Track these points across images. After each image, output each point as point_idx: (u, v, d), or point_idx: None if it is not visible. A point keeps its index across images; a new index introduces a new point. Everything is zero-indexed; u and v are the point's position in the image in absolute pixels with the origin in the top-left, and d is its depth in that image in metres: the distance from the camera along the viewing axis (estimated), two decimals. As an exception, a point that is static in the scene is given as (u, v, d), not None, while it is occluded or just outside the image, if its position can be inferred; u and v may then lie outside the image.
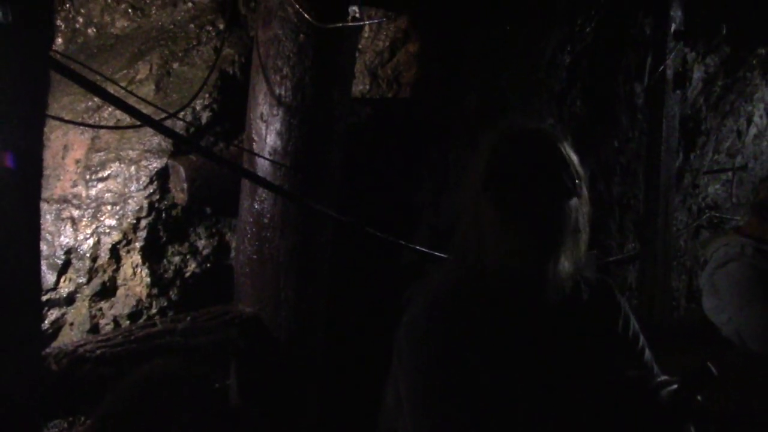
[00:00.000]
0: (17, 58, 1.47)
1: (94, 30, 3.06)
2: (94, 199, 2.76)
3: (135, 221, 2.73)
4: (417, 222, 3.33)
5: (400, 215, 3.27)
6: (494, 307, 1.49)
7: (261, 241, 2.52)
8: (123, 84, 2.77)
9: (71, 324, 2.73)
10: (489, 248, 1.47)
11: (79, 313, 2.73)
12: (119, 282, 2.77)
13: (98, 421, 1.65)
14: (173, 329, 2.30)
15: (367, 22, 3.08)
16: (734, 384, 2.55)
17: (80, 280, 2.73)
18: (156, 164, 2.74)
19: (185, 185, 2.64)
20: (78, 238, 2.73)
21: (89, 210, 2.75)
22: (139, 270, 2.75)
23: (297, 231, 2.51)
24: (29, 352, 1.67)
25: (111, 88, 2.37)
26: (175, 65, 2.90)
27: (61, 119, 2.54)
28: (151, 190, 2.74)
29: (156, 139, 2.75)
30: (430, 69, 3.33)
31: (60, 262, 2.71)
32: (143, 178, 2.74)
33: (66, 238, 2.73)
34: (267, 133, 2.47)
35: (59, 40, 3.01)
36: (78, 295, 2.74)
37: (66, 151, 2.80)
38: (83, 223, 2.74)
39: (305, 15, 2.34)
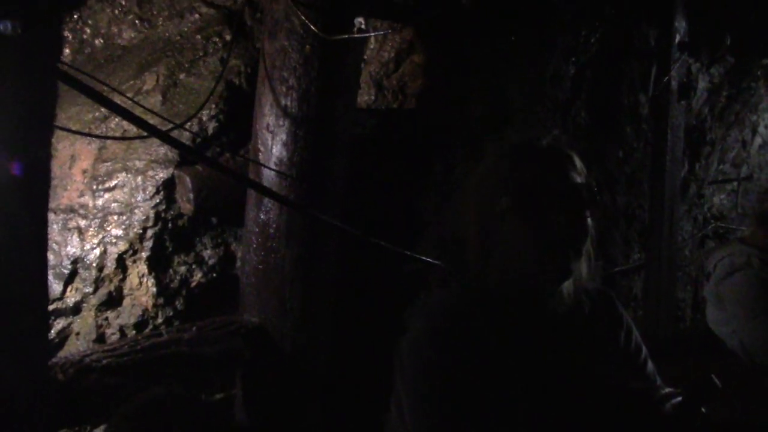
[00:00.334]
0: (26, 70, 1.48)
1: (102, 41, 3.08)
2: (101, 209, 2.77)
3: (141, 231, 2.74)
4: (422, 232, 3.33)
5: (405, 225, 3.27)
6: (496, 323, 1.49)
7: (266, 251, 2.53)
8: (130, 94, 2.78)
9: (77, 333, 2.74)
10: (505, 263, 1.47)
11: (85, 322, 2.74)
12: (125, 292, 2.78)
13: None
14: (179, 339, 2.31)
15: (373, 34, 3.10)
16: (739, 396, 2.54)
17: (87, 290, 2.73)
18: (162, 174, 2.75)
19: (191, 195, 2.65)
20: (84, 248, 2.74)
21: (96, 220, 2.76)
22: (145, 280, 2.76)
23: (302, 241, 2.52)
24: (36, 361, 1.68)
25: (118, 99, 2.39)
26: (182, 76, 2.91)
27: (69, 130, 2.56)
28: (158, 200, 2.75)
29: (162, 150, 2.76)
30: (435, 80, 3.34)
31: (66, 271, 2.72)
32: (150, 188, 2.75)
33: (72, 248, 2.74)
34: (273, 144, 2.48)
35: (66, 51, 3.03)
36: (84, 304, 2.74)
37: (73, 161, 2.82)
38: (90, 233, 2.75)
39: (311, 26, 2.35)
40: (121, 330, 2.75)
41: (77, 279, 2.74)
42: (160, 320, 2.79)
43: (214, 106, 2.84)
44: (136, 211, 2.75)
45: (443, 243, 3.33)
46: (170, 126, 2.45)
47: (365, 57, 3.27)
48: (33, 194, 1.55)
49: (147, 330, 2.73)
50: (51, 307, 2.68)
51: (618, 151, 4.61)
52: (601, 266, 4.24)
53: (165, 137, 2.16)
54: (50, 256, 2.65)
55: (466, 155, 3.44)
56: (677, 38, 4.21)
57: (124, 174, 2.78)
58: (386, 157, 3.18)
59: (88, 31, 3.07)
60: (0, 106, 1.43)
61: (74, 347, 2.70)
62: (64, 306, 2.73)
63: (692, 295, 5.63)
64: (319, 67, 2.43)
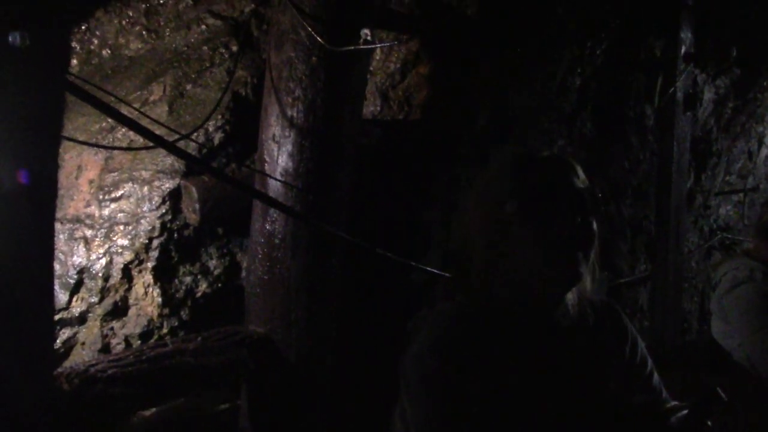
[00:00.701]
0: (34, 81, 1.49)
1: (109, 51, 3.09)
2: (107, 219, 2.77)
3: (147, 241, 2.75)
4: (427, 243, 3.33)
5: (411, 236, 3.27)
6: (501, 335, 1.49)
7: (272, 261, 2.53)
8: (137, 105, 2.80)
9: (83, 343, 2.74)
10: (511, 270, 1.47)
11: (90, 332, 2.74)
12: (131, 302, 2.78)
13: None
14: (184, 349, 2.31)
15: (379, 45, 3.10)
16: (745, 409, 2.53)
17: (92, 300, 2.74)
18: (168, 185, 2.76)
19: (197, 206, 2.66)
20: (90, 258, 2.75)
21: (102, 230, 2.76)
22: (150, 290, 2.76)
23: (308, 252, 2.52)
24: (41, 371, 1.68)
25: (125, 110, 2.40)
26: (189, 87, 2.92)
27: (76, 140, 2.57)
28: (164, 211, 2.76)
29: (168, 160, 2.77)
30: (441, 91, 3.35)
31: (72, 281, 2.73)
32: (156, 199, 2.76)
33: (78, 258, 2.75)
34: (279, 155, 2.49)
35: (74, 62, 3.05)
36: (90, 314, 2.75)
37: (80, 171, 2.83)
38: (96, 243, 2.76)
39: (318, 38, 2.36)
40: (127, 340, 2.75)
41: (83, 289, 2.74)
42: (165, 330, 2.79)
43: (220, 116, 2.85)
44: (142, 221, 2.76)
45: (448, 254, 3.32)
46: (177, 136, 2.46)
47: (371, 68, 3.28)
48: (40, 204, 1.56)
49: (152, 340, 2.74)
50: (57, 317, 2.68)
51: (624, 162, 4.61)
52: (606, 277, 4.23)
53: (171, 148, 2.17)
54: (56, 266, 2.65)
55: (471, 166, 3.44)
56: (683, 49, 4.21)
57: (130, 184, 2.79)
58: (392, 168, 3.19)
59: (96, 41, 3.09)
60: (8, 116, 1.44)
61: (79, 357, 2.70)
62: (69, 316, 2.73)
63: (698, 307, 5.61)
64: (325, 78, 2.44)
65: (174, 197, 2.76)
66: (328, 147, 2.50)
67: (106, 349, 2.73)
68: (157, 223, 2.75)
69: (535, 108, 3.80)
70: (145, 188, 2.78)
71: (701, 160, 5.25)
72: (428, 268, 2.82)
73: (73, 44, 3.02)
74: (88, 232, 2.76)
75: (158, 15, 3.07)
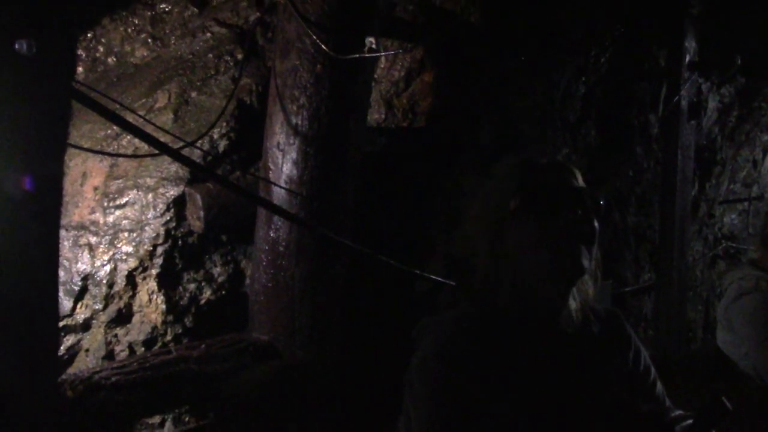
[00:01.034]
0: (40, 88, 1.50)
1: (114, 59, 3.11)
2: (112, 226, 2.78)
3: (151, 248, 2.75)
4: (431, 250, 3.33)
5: (415, 243, 3.27)
6: (506, 342, 1.49)
7: (276, 268, 2.53)
8: (142, 112, 2.81)
9: (87, 350, 2.74)
10: (508, 275, 1.48)
11: (94, 339, 2.74)
12: (135, 308, 2.78)
13: None
14: (188, 357, 2.31)
15: (383, 54, 3.11)
16: (750, 419, 2.51)
17: (96, 307, 2.74)
18: (173, 192, 2.77)
19: (202, 213, 2.66)
20: (95, 265, 2.75)
21: (106, 237, 2.77)
22: (154, 297, 2.76)
23: (312, 259, 2.52)
24: (45, 378, 1.68)
25: (130, 117, 2.41)
26: (194, 94, 2.93)
27: (81, 147, 2.58)
28: (168, 218, 2.76)
29: (173, 167, 2.78)
30: (445, 99, 3.36)
31: (77, 288, 2.73)
32: (160, 206, 2.76)
33: (83, 265, 2.75)
34: (283, 162, 2.49)
35: (80, 69, 3.06)
36: (94, 321, 2.75)
37: (85, 178, 2.83)
38: (100, 250, 2.76)
39: (323, 46, 2.37)
40: (131, 347, 2.75)
41: (87, 296, 2.75)
42: (169, 337, 2.79)
43: (225, 124, 2.86)
44: (146, 228, 2.76)
45: (452, 261, 3.32)
46: (181, 144, 2.46)
47: (376, 76, 3.29)
48: (45, 211, 1.56)
49: (156, 347, 2.74)
50: (61, 324, 2.69)
51: (628, 170, 4.61)
52: (611, 286, 4.22)
53: (176, 155, 2.18)
54: (61, 273, 2.66)
55: (475, 174, 3.44)
56: (687, 58, 4.21)
57: (135, 191, 2.79)
58: (396, 175, 3.19)
59: (101, 49, 3.11)
60: (14, 123, 1.44)
61: (84, 364, 2.70)
62: (73, 322, 2.73)
63: (703, 316, 5.59)
64: (329, 86, 2.44)
65: (178, 204, 2.76)
66: (333, 155, 2.51)
67: (110, 356, 2.73)
68: (162, 230, 2.76)
69: (539, 116, 3.80)
70: (150, 195, 2.78)
71: (705, 168, 5.24)
72: (431, 276, 2.81)
73: (79, 52, 3.03)
74: (93, 239, 2.77)
75: (164, 23, 3.08)
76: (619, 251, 4.60)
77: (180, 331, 2.81)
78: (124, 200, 2.80)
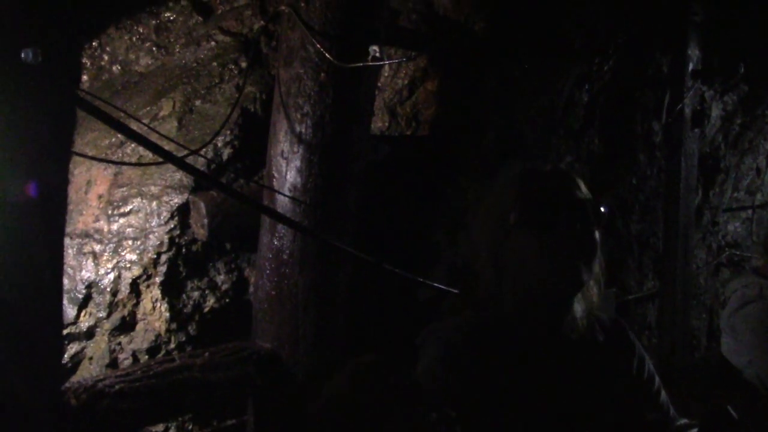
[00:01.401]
0: (45, 97, 1.51)
1: (119, 67, 3.12)
2: (116, 234, 2.78)
3: (155, 256, 2.75)
4: (435, 258, 3.33)
5: (418, 252, 3.27)
6: (510, 349, 1.49)
7: (280, 277, 2.53)
8: (146, 121, 2.81)
9: (90, 358, 2.74)
10: (514, 280, 1.48)
11: (98, 347, 2.74)
12: (139, 316, 2.79)
13: None
14: (191, 365, 2.31)
15: (387, 62, 3.12)
16: (756, 428, 2.50)
17: (100, 315, 2.74)
18: (177, 200, 2.77)
19: (206, 221, 2.67)
20: (99, 273, 2.76)
21: (111, 245, 2.77)
22: (158, 305, 2.77)
23: (316, 267, 2.52)
24: (49, 386, 1.68)
25: (134, 125, 2.41)
26: (198, 102, 2.94)
27: (86, 155, 2.58)
28: (172, 226, 2.77)
29: (177, 175, 2.78)
30: (449, 107, 3.36)
31: (81, 296, 2.74)
32: (164, 214, 2.77)
33: (87, 273, 2.75)
34: (287, 170, 2.49)
35: (84, 77, 3.07)
36: (98, 329, 2.75)
37: (89, 186, 2.84)
38: (104, 258, 2.77)
39: (326, 54, 2.38)
40: (134, 355, 2.75)
41: (91, 303, 2.75)
42: (172, 345, 2.79)
43: (229, 132, 2.86)
44: (150, 236, 2.77)
45: (456, 269, 3.32)
46: (186, 152, 2.47)
47: (379, 84, 3.29)
48: (50, 218, 1.57)
49: (160, 355, 2.74)
50: (65, 332, 2.69)
51: (632, 178, 4.60)
52: (614, 294, 4.22)
53: (180, 163, 2.18)
54: (65, 281, 2.66)
55: (478, 182, 3.44)
56: (690, 66, 4.21)
57: (139, 199, 2.80)
58: (400, 183, 3.19)
59: (106, 57, 3.12)
60: (19, 131, 1.45)
61: (87, 372, 2.70)
62: (77, 330, 2.74)
63: (707, 324, 5.57)
64: (333, 95, 2.45)
65: (182, 212, 2.77)
66: (337, 163, 2.51)
67: (113, 364, 2.73)
68: (166, 238, 2.76)
69: (543, 124, 3.81)
70: (154, 203, 2.79)
71: (709, 176, 5.23)
72: (435, 284, 2.81)
73: (84, 60, 3.04)
74: (97, 247, 2.77)
75: (168, 31, 3.09)
76: (623, 259, 4.59)
77: (184, 339, 2.81)
78: (128, 208, 2.80)
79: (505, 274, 1.51)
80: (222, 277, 2.90)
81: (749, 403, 2.79)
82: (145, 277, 2.76)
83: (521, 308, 1.51)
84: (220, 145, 2.85)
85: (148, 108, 2.94)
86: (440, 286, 2.81)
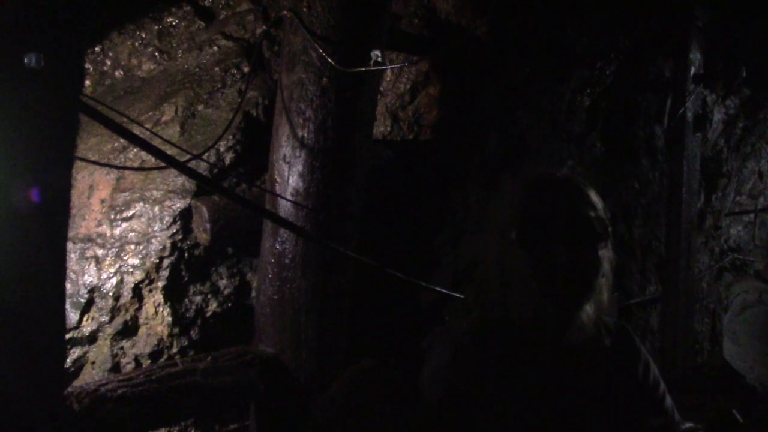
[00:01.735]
0: (48, 102, 1.51)
1: (122, 72, 3.12)
2: (118, 239, 2.79)
3: (158, 261, 2.76)
4: (437, 263, 3.33)
5: (421, 256, 3.27)
6: (517, 354, 1.49)
7: (282, 281, 2.53)
8: (148, 126, 2.82)
9: (93, 363, 2.74)
10: (515, 294, 1.47)
11: (100, 351, 2.74)
12: (141, 321, 2.79)
13: None
14: (194, 369, 2.31)
15: (389, 67, 3.12)
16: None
17: (103, 319, 2.74)
18: (179, 204, 2.77)
19: (208, 225, 2.67)
20: (101, 277, 2.76)
21: (113, 249, 2.78)
22: (161, 309, 2.77)
23: (318, 271, 2.52)
24: (52, 390, 1.68)
25: (137, 130, 2.42)
26: (200, 107, 2.94)
27: (88, 160, 2.59)
28: (174, 230, 2.77)
29: (180, 180, 2.79)
30: (451, 111, 3.36)
31: (83, 300, 2.74)
32: (167, 218, 2.77)
33: (89, 277, 2.75)
34: (289, 175, 2.49)
35: (87, 82, 3.08)
36: (100, 333, 2.75)
37: (91, 190, 2.84)
38: (107, 263, 2.77)
39: (328, 59, 2.38)
40: (137, 359, 2.75)
41: (93, 308, 2.75)
42: (175, 350, 2.79)
43: (231, 137, 2.87)
44: (152, 240, 2.77)
45: (459, 274, 3.32)
46: (188, 156, 2.47)
47: (381, 88, 3.30)
48: (52, 223, 1.56)
49: (162, 359, 2.74)
50: (67, 336, 2.69)
51: (634, 182, 4.61)
52: (617, 298, 4.21)
53: (182, 168, 2.18)
54: (67, 285, 2.66)
55: (481, 186, 3.44)
56: (692, 70, 4.22)
57: (141, 204, 2.80)
58: (402, 187, 3.19)
59: (109, 63, 3.12)
60: (22, 136, 1.45)
61: (89, 376, 2.70)
62: (80, 335, 2.74)
63: (710, 328, 5.57)
64: (335, 99, 2.45)
65: (185, 217, 2.77)
66: (339, 167, 2.51)
67: (116, 368, 2.73)
68: (168, 243, 2.76)
69: (545, 128, 3.81)
70: (156, 208, 2.79)
71: (711, 180, 5.23)
72: (438, 288, 2.81)
73: (87, 65, 3.05)
74: (99, 252, 2.78)
75: (171, 37, 3.10)
76: (626, 263, 4.59)
77: (186, 343, 2.81)
78: (130, 213, 2.81)
79: (510, 282, 1.50)
80: (224, 281, 2.90)
81: (753, 407, 2.78)
82: (147, 281, 2.77)
83: (526, 315, 1.50)
84: (222, 149, 2.85)
85: (151, 113, 2.95)
86: (442, 290, 2.81)
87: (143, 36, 3.10)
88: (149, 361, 2.74)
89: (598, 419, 1.49)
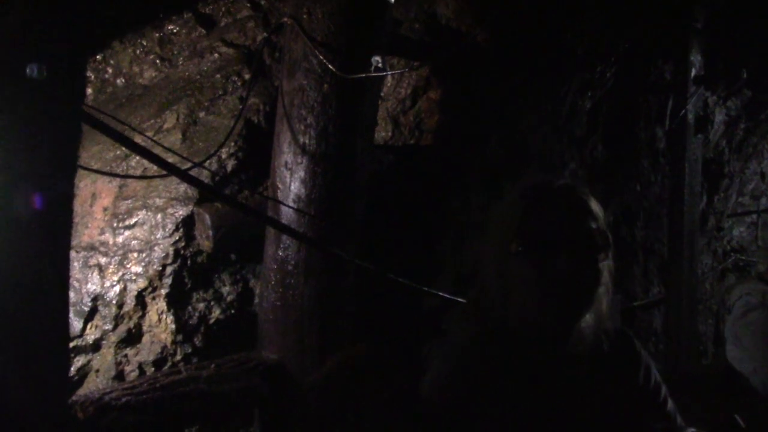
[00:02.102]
0: (51, 112, 1.52)
1: (123, 80, 3.13)
2: (121, 247, 2.79)
3: (161, 268, 2.76)
4: (439, 267, 3.33)
5: (423, 261, 3.27)
6: (517, 362, 1.48)
7: (285, 287, 2.53)
8: (150, 133, 2.82)
9: (97, 371, 2.74)
10: (515, 304, 1.47)
11: (104, 359, 2.74)
12: (144, 329, 2.79)
13: None
14: (198, 377, 2.31)
15: (390, 72, 3.12)
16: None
17: (106, 327, 2.75)
18: (182, 212, 2.78)
19: (211, 232, 2.67)
20: (104, 285, 2.76)
21: (116, 257, 2.78)
22: (164, 317, 2.77)
23: (320, 277, 2.52)
24: (56, 399, 1.69)
25: (138, 138, 2.42)
26: (202, 114, 2.95)
27: (91, 168, 2.59)
28: (177, 238, 2.77)
29: (182, 187, 2.79)
30: (452, 116, 3.36)
31: (86, 309, 2.74)
32: (169, 226, 2.77)
33: (93, 285, 2.76)
34: (291, 181, 2.50)
35: (89, 91, 3.09)
36: (104, 341, 2.75)
37: (94, 199, 2.85)
38: (110, 270, 2.77)
39: (329, 66, 2.38)
40: (140, 367, 2.75)
41: (97, 316, 2.75)
42: (178, 357, 2.79)
43: (233, 144, 2.87)
44: (155, 248, 2.77)
45: (461, 278, 3.32)
46: (190, 164, 2.48)
47: (382, 94, 3.30)
48: (56, 232, 1.57)
49: (166, 367, 2.74)
50: (71, 345, 2.69)
51: (635, 184, 4.60)
52: (620, 301, 4.21)
53: (184, 175, 2.19)
54: (71, 294, 2.66)
55: (482, 190, 3.44)
56: (693, 72, 4.21)
57: (144, 211, 2.81)
58: (404, 193, 3.19)
59: (110, 70, 3.13)
60: (25, 145, 1.46)
61: (94, 385, 2.70)
62: (83, 343, 2.74)
63: (713, 330, 5.56)
64: (336, 106, 2.46)
65: (187, 224, 2.77)
66: (341, 173, 2.52)
67: (120, 376, 2.73)
68: (171, 250, 2.77)
69: (546, 131, 3.81)
70: (159, 215, 2.79)
71: (713, 181, 5.23)
72: (440, 293, 2.81)
73: (89, 73, 3.06)
74: (102, 260, 2.78)
75: (172, 44, 3.11)
76: (628, 265, 4.58)
77: (190, 350, 2.81)
78: (133, 221, 2.81)
79: (510, 292, 1.50)
80: (227, 288, 2.91)
81: (757, 411, 2.78)
82: (150, 289, 2.77)
83: (526, 324, 1.50)
84: (224, 156, 2.86)
85: (153, 120, 2.95)
86: (445, 295, 2.81)
87: (144, 44, 3.11)
88: (153, 369, 2.74)
89: (600, 427, 1.49)
